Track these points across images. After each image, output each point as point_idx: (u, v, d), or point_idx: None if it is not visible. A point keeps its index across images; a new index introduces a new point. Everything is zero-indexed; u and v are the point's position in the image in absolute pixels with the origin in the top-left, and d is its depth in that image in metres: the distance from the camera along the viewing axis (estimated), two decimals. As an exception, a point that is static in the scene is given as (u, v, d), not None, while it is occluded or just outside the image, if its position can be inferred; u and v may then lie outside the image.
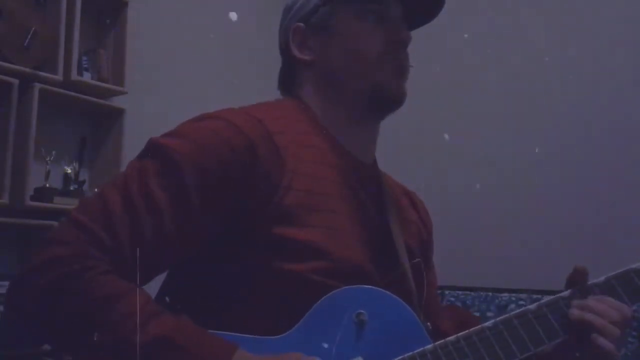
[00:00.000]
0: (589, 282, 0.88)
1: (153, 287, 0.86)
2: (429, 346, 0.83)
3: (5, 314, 0.81)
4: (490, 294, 2.33)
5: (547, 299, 0.88)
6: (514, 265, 2.34)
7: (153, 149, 0.85)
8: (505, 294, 2.33)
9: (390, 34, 0.98)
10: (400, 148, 2.42)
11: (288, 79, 1.05)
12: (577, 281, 0.88)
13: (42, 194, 2.19)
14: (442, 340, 0.84)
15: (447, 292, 2.39)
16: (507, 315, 0.85)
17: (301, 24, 1.00)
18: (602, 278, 0.88)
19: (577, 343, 0.85)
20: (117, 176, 0.85)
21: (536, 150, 2.40)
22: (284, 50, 1.04)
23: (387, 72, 0.97)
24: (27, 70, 2.14)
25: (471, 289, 2.38)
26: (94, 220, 0.79)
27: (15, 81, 2.11)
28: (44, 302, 0.76)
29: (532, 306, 0.86)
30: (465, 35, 2.58)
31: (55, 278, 0.75)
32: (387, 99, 0.99)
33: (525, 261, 2.31)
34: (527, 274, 2.28)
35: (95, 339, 0.74)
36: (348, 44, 0.98)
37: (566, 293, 0.88)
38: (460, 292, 2.38)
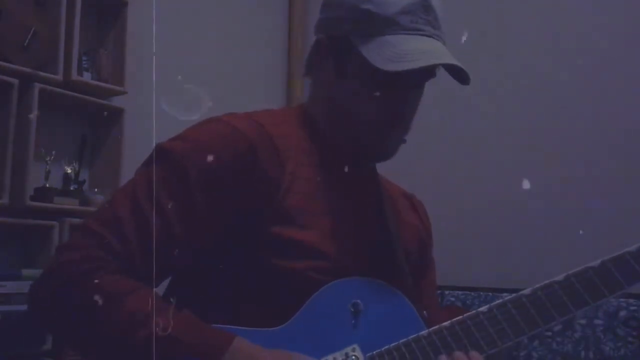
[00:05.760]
0: (584, 266, 0.87)
1: (159, 287, 0.87)
2: (423, 332, 0.85)
3: (28, 315, 0.86)
4: (490, 294, 2.32)
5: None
6: (514, 265, 2.34)
7: (159, 153, 0.88)
8: (505, 294, 2.32)
9: (391, 106, 0.94)
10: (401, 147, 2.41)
11: (311, 65, 1.02)
12: None
13: (42, 194, 2.19)
14: (437, 326, 0.85)
15: (447, 292, 2.39)
16: (501, 300, 0.86)
17: (324, 38, 0.97)
18: (597, 261, 0.87)
19: None
20: (127, 183, 0.89)
21: (537, 150, 2.40)
22: (315, 44, 1.00)
23: (374, 138, 0.96)
24: (27, 70, 2.14)
25: (471, 289, 2.37)
26: (104, 226, 0.83)
27: (15, 81, 2.11)
28: (56, 303, 0.81)
29: (527, 290, 0.87)
30: (464, 38, 2.57)
31: (66, 280, 0.80)
32: (370, 157, 1.01)
33: (525, 261, 2.31)
34: (527, 274, 2.28)
35: (100, 335, 0.78)
36: (346, 96, 0.95)
37: (560, 277, 0.87)
38: (460, 292, 2.38)
